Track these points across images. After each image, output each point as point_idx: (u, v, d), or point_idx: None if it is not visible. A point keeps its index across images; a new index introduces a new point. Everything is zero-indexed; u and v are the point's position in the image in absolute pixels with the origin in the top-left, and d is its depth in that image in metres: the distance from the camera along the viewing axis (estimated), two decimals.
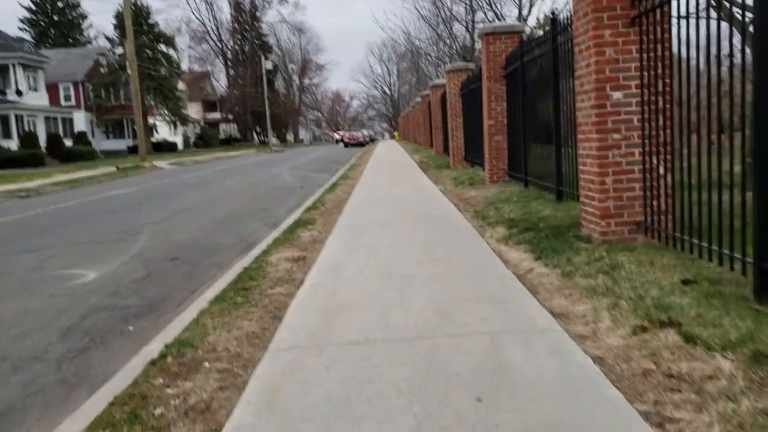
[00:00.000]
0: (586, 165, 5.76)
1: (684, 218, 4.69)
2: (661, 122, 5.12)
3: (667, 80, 4.98)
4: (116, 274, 6.76)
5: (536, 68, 8.96)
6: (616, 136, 5.43)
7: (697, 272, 4.22)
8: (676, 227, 4.89)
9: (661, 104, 5.10)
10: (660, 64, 5.06)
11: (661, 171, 5.23)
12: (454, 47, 29.70)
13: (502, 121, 11.37)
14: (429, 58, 37.72)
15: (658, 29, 5.02)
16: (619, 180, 5.45)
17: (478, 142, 14.05)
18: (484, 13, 25.14)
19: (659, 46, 5.05)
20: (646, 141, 5.32)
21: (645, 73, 5.24)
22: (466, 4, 27.14)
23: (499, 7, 24.29)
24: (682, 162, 4.70)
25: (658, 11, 4.99)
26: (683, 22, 4.71)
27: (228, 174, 23.49)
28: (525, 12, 23.50)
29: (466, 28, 28.04)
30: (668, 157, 5.08)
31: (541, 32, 9.28)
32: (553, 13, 7.90)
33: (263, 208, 11.82)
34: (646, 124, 5.30)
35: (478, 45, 25.91)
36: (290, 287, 4.91)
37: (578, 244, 5.55)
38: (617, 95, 5.40)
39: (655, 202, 5.22)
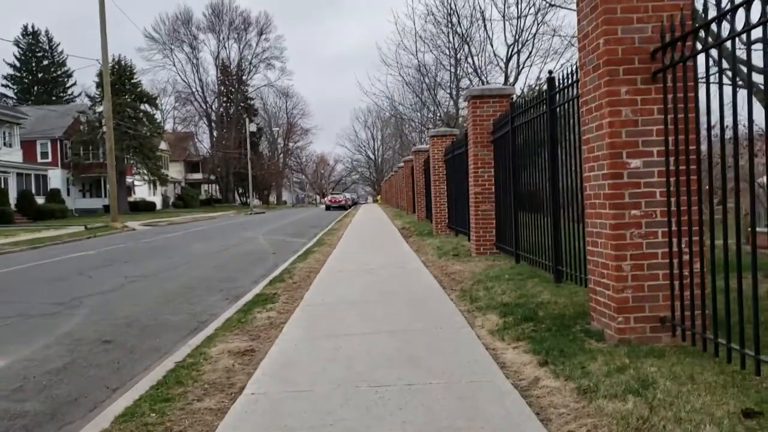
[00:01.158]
0: (598, 245, 4.79)
1: (727, 318, 3.71)
2: (689, 197, 4.20)
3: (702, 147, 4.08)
4: (30, 362, 5.59)
5: (529, 132, 8.13)
6: (634, 212, 4.49)
7: (758, 397, 3.19)
8: (717, 329, 3.89)
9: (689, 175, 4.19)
10: (687, 128, 4.17)
11: (690, 256, 4.28)
12: (438, 113, 29.31)
13: (490, 189, 10.50)
14: (413, 123, 37.41)
15: (685, 86, 4.16)
16: (639, 266, 4.47)
17: (462, 210, 13.16)
18: (470, 80, 24.82)
19: (686, 107, 4.17)
20: (672, 219, 4.38)
21: (670, 138, 4.35)
22: (450, 72, 26.87)
23: (485, 75, 23.97)
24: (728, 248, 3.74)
25: (684, 65, 4.14)
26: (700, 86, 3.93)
27: (200, 237, 22.36)
28: (511, 80, 23.17)
29: (450, 95, 27.70)
30: (703, 239, 4.12)
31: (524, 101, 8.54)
32: (550, 72, 7.11)
33: (227, 278, 10.70)
34: (672, 199, 4.38)
35: (463, 111, 25.50)
36: (224, 398, 3.78)
37: (590, 342, 4.52)
38: (635, 163, 4.49)
39: (686, 293, 4.23)
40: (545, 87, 7.29)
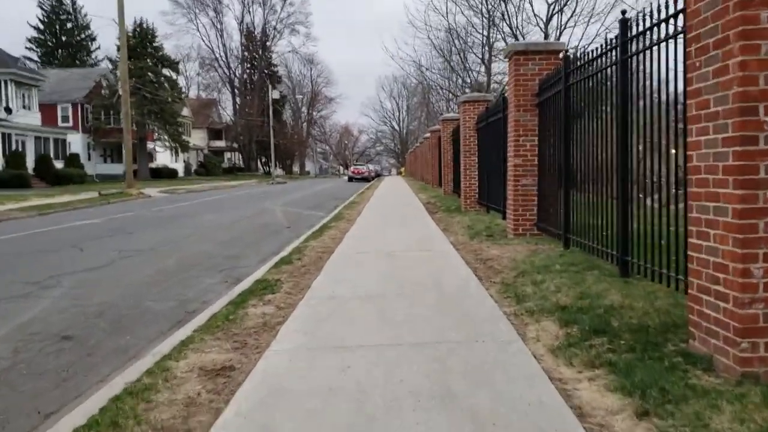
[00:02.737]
0: (709, 238, 3.43)
1: None
2: None
3: None
4: None
5: (589, 92, 6.72)
6: None
7: None
8: None
9: None
10: None
11: None
12: (468, 80, 27.64)
13: (532, 160, 9.08)
14: (440, 91, 35.67)
15: None
16: None
17: (496, 184, 11.78)
18: (505, 42, 23.05)
19: None
20: None
21: None
22: (482, 34, 25.13)
23: (522, 36, 22.18)
24: None
25: None
26: None
27: (216, 206, 21.24)
28: (552, 40, 21.42)
29: (482, 59, 26.00)
30: None
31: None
32: (623, 12, 5.65)
33: (232, 255, 9.52)
34: None
35: (495, 77, 23.85)
36: None
37: (697, 375, 3.20)
38: None
39: None
40: (613, 35, 5.84)
